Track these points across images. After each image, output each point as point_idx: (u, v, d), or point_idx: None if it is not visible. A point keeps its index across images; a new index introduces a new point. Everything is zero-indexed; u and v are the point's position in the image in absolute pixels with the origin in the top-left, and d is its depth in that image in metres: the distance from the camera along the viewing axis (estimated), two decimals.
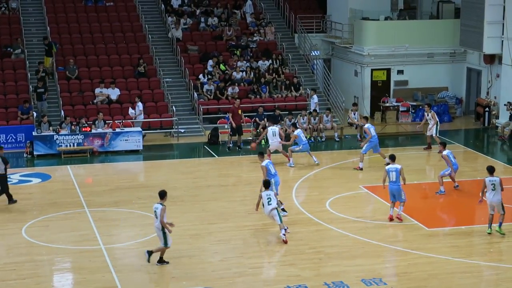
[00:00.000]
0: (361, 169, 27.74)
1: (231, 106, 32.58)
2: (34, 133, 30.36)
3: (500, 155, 31.41)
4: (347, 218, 22.45)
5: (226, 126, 32.46)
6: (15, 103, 33.28)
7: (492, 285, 17.83)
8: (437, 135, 30.56)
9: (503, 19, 34.75)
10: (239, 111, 31.80)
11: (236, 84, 35.99)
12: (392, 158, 22.46)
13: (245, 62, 37.49)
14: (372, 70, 37.78)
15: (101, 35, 37.78)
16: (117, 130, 30.96)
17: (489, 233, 20.85)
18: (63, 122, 31.18)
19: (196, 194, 24.95)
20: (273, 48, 38.86)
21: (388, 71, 37.99)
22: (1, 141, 30.86)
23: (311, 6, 42.93)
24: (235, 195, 24.94)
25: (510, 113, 33.48)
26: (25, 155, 30.28)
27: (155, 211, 18.56)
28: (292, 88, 36.28)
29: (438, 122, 30.80)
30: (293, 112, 33.81)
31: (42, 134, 30.25)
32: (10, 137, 31.02)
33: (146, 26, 38.61)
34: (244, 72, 36.87)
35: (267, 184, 21.00)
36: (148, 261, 18.72)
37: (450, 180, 25.08)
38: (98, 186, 26.32)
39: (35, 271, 18.61)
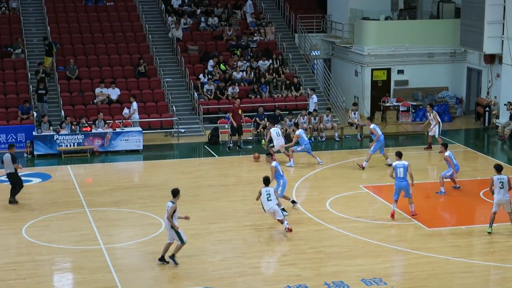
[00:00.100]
0: (363, 168, 27.74)
1: (231, 106, 32.58)
2: (34, 133, 30.36)
3: (500, 155, 31.41)
4: (347, 218, 22.45)
5: (226, 126, 32.46)
6: (15, 103, 33.29)
7: (492, 285, 17.83)
8: (440, 136, 30.54)
9: (503, 19, 34.74)
10: (239, 111, 31.80)
11: (237, 84, 35.99)
12: (399, 155, 22.62)
13: (245, 62, 37.49)
14: (372, 70, 37.78)
15: (101, 35, 37.78)
16: (117, 130, 30.96)
17: (489, 233, 20.85)
18: (63, 122, 31.18)
19: (196, 194, 24.95)
20: (273, 48, 38.86)
21: (388, 71, 37.99)
22: (1, 141, 30.88)
23: (311, 6, 42.94)
24: (235, 195, 24.94)
25: (510, 113, 33.48)
26: (25, 155, 30.27)
27: (167, 209, 18.62)
28: (292, 88, 36.29)
29: (440, 123, 30.78)
30: (293, 112, 33.80)
31: (42, 134, 30.25)
32: (10, 137, 31.02)
33: (146, 26, 38.61)
34: (244, 72, 36.87)
35: (266, 181, 21.19)
36: (176, 263, 18.67)
37: (450, 180, 25.05)
38: (98, 186, 26.32)
39: (35, 271, 18.61)
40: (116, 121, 31.53)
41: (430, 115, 31.05)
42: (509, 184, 20.72)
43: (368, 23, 37.78)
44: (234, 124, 31.29)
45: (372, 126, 28.55)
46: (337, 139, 33.04)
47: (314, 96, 34.88)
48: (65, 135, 30.35)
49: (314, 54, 39.66)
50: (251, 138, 32.67)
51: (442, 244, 20.39)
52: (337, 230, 21.43)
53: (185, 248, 19.74)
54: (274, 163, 22.85)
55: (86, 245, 20.29)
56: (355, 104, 34.51)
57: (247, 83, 36.45)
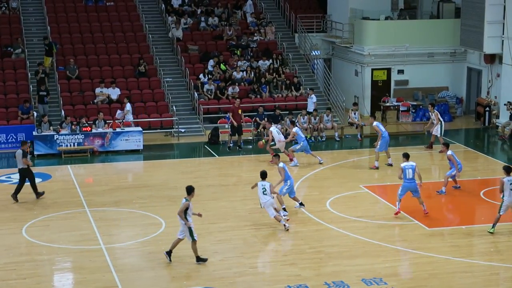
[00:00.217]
0: (377, 168, 27.73)
1: (231, 105, 32.58)
2: (34, 133, 30.36)
3: (501, 155, 31.41)
4: (347, 218, 22.45)
5: (226, 126, 32.46)
6: (15, 102, 33.30)
7: (492, 285, 17.82)
8: (442, 135, 30.54)
9: (504, 18, 34.75)
10: (239, 111, 31.80)
11: (237, 83, 36.00)
12: (407, 156, 22.67)
13: (245, 61, 37.50)
14: (372, 69, 37.79)
15: (101, 34, 37.78)
16: (118, 130, 30.96)
17: (491, 233, 20.81)
18: (63, 122, 31.18)
19: (196, 194, 24.57)
20: (273, 47, 38.86)
21: (389, 70, 38.00)
22: (2, 141, 30.90)
23: (312, 5, 42.95)
24: (235, 194, 24.94)
25: (510, 112, 33.48)
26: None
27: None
28: (293, 87, 36.29)
29: (442, 122, 30.77)
30: (293, 111, 33.81)
31: (43, 134, 30.25)
32: (11, 137, 31.03)
33: (147, 25, 38.62)
34: (244, 72, 36.87)
35: (264, 175, 21.42)
36: (204, 260, 18.74)
37: (451, 180, 25.04)
38: (98, 185, 26.32)
39: (35, 271, 18.61)
40: (116, 121, 31.53)
41: (432, 115, 31.04)
42: None
43: (368, 23, 37.78)
44: (234, 124, 31.30)
45: (375, 123, 28.55)
46: (337, 139, 33.04)
47: (313, 95, 34.88)
48: (65, 135, 30.36)
49: (314, 54, 39.66)
50: (251, 138, 32.67)
51: (442, 244, 20.39)
52: (337, 230, 21.42)
53: (185, 247, 19.74)
54: (281, 164, 22.90)
55: (86, 245, 20.29)
56: (355, 104, 34.52)
57: (247, 83, 36.45)
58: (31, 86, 33.95)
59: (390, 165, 28.05)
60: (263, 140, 29.74)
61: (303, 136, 28.91)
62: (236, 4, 41.07)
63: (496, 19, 35.03)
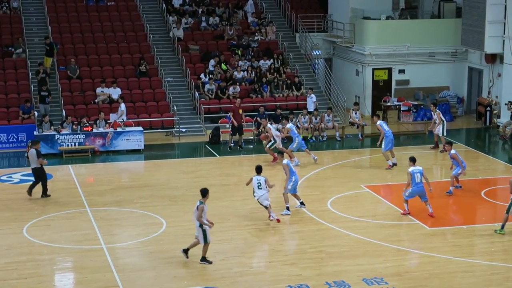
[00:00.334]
0: (392, 166, 27.73)
1: (232, 105, 32.59)
2: (35, 133, 30.35)
3: (502, 155, 31.41)
4: (348, 218, 22.45)
5: (227, 126, 32.46)
6: (16, 102, 33.31)
7: (493, 285, 17.81)
8: (444, 135, 30.54)
9: (505, 18, 34.74)
10: (240, 111, 31.80)
11: (238, 83, 36.00)
12: (413, 160, 22.58)
13: (246, 61, 37.49)
14: (373, 69, 37.79)
15: (102, 34, 37.79)
16: (118, 129, 30.97)
17: (502, 234, 20.73)
18: (64, 121, 31.18)
19: (197, 194, 24.56)
20: (274, 47, 38.86)
21: (390, 70, 37.99)
22: (3, 141, 30.91)
23: (312, 5, 42.94)
24: (236, 194, 24.93)
25: (511, 112, 33.46)
26: (26, 154, 30.24)
27: (195, 209, 18.72)
28: (293, 87, 36.29)
29: (444, 122, 30.76)
30: (294, 111, 33.81)
31: (44, 133, 30.25)
32: (12, 137, 31.05)
33: (147, 25, 38.62)
34: (245, 72, 36.87)
35: (259, 170, 21.72)
36: (209, 263, 18.74)
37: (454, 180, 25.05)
38: (99, 185, 26.32)
39: (36, 271, 18.62)
40: (117, 121, 31.53)
41: (434, 115, 31.02)
42: None
43: (369, 23, 37.77)
44: (235, 123, 31.31)
45: (378, 123, 28.54)
46: (338, 138, 33.04)
47: (312, 95, 34.87)
48: (66, 134, 30.36)
49: (315, 53, 39.64)
50: (252, 137, 32.66)
51: (443, 243, 20.39)
52: (338, 229, 21.42)
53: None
54: (285, 161, 22.96)
55: (87, 245, 20.30)
56: (356, 103, 34.49)
57: (248, 83, 36.45)
58: (32, 86, 33.95)
59: (395, 164, 28.02)
60: (266, 133, 29.65)
61: (296, 132, 28.99)
62: (237, 3, 41.07)
63: (497, 18, 35.02)
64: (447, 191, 24.56)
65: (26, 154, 29.92)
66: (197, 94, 35.10)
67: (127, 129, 31.27)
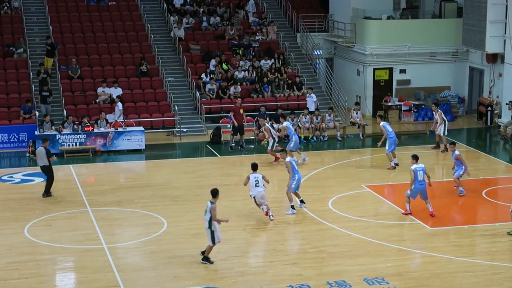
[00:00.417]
0: (395, 166, 27.70)
1: (233, 105, 32.60)
2: (36, 133, 30.37)
3: (503, 154, 31.40)
4: (349, 217, 22.45)
5: (228, 126, 32.46)
6: (17, 102, 33.32)
7: (494, 285, 17.80)
8: (445, 135, 30.52)
9: (506, 18, 34.74)
10: (241, 110, 31.82)
11: (238, 83, 35.99)
12: (416, 158, 22.58)
13: (247, 61, 37.49)
14: (374, 69, 37.79)
15: (103, 34, 37.80)
16: (120, 129, 30.97)
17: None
18: (65, 121, 31.19)
19: (198, 194, 24.94)
20: (275, 47, 38.86)
21: (391, 70, 37.99)
22: (4, 140, 30.92)
23: (314, 5, 42.95)
24: (237, 194, 24.91)
25: None
26: (27, 154, 30.29)
27: (205, 209, 18.69)
28: (294, 87, 36.29)
29: (446, 121, 30.74)
30: (295, 111, 33.81)
31: (45, 133, 30.24)
32: (13, 137, 31.06)
33: (148, 25, 38.63)
34: (246, 71, 36.87)
35: (254, 167, 21.93)
36: (210, 263, 18.73)
37: (453, 179, 25.01)
38: (100, 185, 26.32)
39: (37, 271, 18.62)
40: (118, 121, 31.54)
41: (435, 115, 31.01)
42: None
43: (370, 23, 37.77)
44: (235, 123, 31.31)
45: (381, 124, 28.52)
46: (339, 138, 33.04)
47: (313, 94, 34.85)
48: (67, 134, 30.37)
49: (316, 53, 39.65)
50: (253, 137, 32.66)
51: (444, 243, 20.38)
52: (339, 229, 21.42)
53: (188, 247, 19.82)
54: (288, 159, 22.98)
55: (88, 245, 20.30)
56: (357, 103, 34.48)
57: (249, 83, 36.44)
58: (33, 86, 33.96)
59: (397, 164, 28.00)
60: (264, 133, 29.64)
61: (293, 130, 29.01)
62: (238, 3, 41.07)
63: (498, 18, 35.02)
64: (459, 193, 24.42)
65: (27, 154, 30.14)
66: (198, 94, 35.10)
67: (128, 129, 31.28)
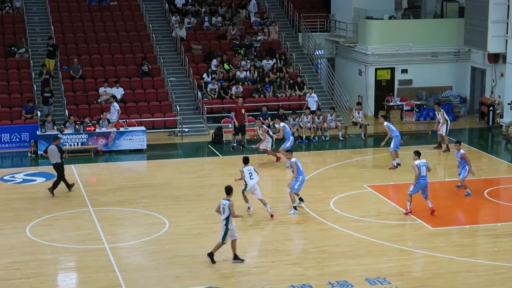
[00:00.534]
0: (396, 166, 27.69)
1: (235, 105, 32.60)
2: (38, 133, 30.38)
3: (505, 154, 31.37)
4: (351, 217, 22.44)
5: (230, 126, 32.45)
6: (19, 102, 33.33)
7: (496, 285, 17.78)
8: (447, 134, 30.50)
9: (508, 18, 34.71)
10: (242, 110, 31.82)
11: (240, 83, 35.99)
12: (418, 154, 22.64)
13: (249, 61, 37.50)
14: (376, 69, 37.78)
15: (105, 34, 37.81)
16: (121, 129, 30.97)
17: None
18: (67, 121, 31.21)
19: (200, 193, 24.96)
20: (277, 47, 38.86)
21: (392, 70, 37.98)
22: (5, 140, 30.94)
23: (315, 5, 42.93)
24: (239, 194, 24.82)
25: None
26: (29, 154, 30.31)
27: (223, 208, 18.64)
28: (296, 87, 36.28)
29: (448, 121, 30.72)
30: (297, 111, 33.80)
31: (46, 133, 30.26)
32: (14, 137, 31.07)
33: (150, 25, 38.64)
34: (248, 71, 36.87)
35: (246, 160, 22.48)
36: (213, 262, 18.75)
37: (456, 179, 25.00)
38: (102, 185, 26.33)
39: (39, 270, 18.63)
40: (120, 121, 31.55)
41: (438, 114, 30.99)
42: None
43: (372, 23, 37.76)
44: (236, 123, 31.31)
45: (385, 124, 28.52)
46: (341, 138, 33.02)
47: (313, 94, 34.83)
48: (69, 134, 30.38)
49: (317, 53, 39.64)
50: (255, 137, 32.63)
51: (446, 243, 20.36)
52: (341, 229, 21.41)
53: (189, 247, 19.80)
54: (294, 159, 22.99)
55: (90, 245, 20.30)
56: (359, 103, 34.46)
57: (250, 83, 36.44)
58: (34, 86, 33.98)
59: (399, 164, 27.99)
60: (259, 131, 29.63)
61: (289, 130, 29.03)
62: (239, 3, 41.07)
63: (500, 18, 34.99)
64: (466, 194, 24.39)
65: (29, 154, 30.14)
66: (199, 94, 35.10)
67: (130, 129, 31.28)
